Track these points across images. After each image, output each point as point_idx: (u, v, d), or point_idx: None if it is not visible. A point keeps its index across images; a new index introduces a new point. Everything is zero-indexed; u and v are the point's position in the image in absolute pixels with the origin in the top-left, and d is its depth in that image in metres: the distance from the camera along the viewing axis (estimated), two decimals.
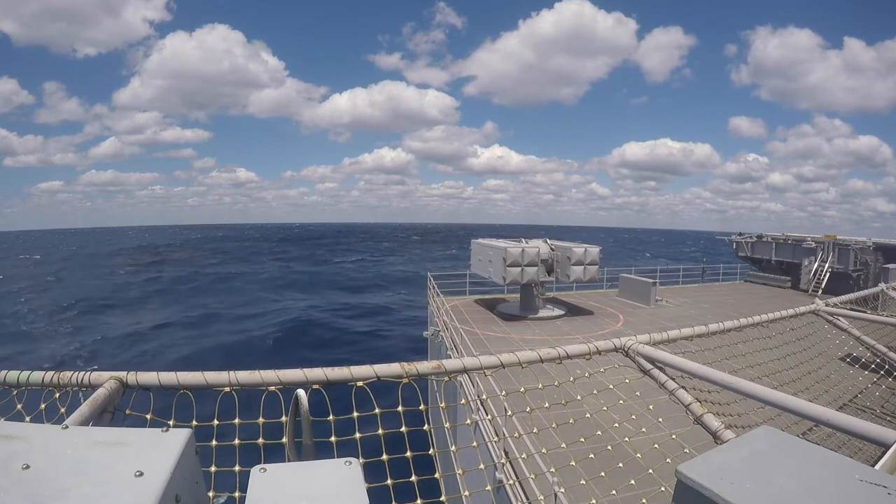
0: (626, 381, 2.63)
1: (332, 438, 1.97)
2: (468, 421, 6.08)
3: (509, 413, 2.68)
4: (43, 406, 1.89)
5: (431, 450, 2.21)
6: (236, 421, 1.96)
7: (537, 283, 14.98)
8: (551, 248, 15.15)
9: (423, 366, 2.20)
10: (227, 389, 1.97)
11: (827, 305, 4.29)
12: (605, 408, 2.56)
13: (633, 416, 2.51)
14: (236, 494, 1.71)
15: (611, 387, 2.62)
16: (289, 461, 1.82)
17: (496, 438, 5.18)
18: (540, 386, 2.38)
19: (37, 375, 1.95)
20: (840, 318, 4.14)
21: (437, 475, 2.16)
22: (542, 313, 15.20)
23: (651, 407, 2.51)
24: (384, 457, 1.99)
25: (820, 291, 19.02)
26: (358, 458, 1.48)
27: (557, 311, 15.54)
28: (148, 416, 1.89)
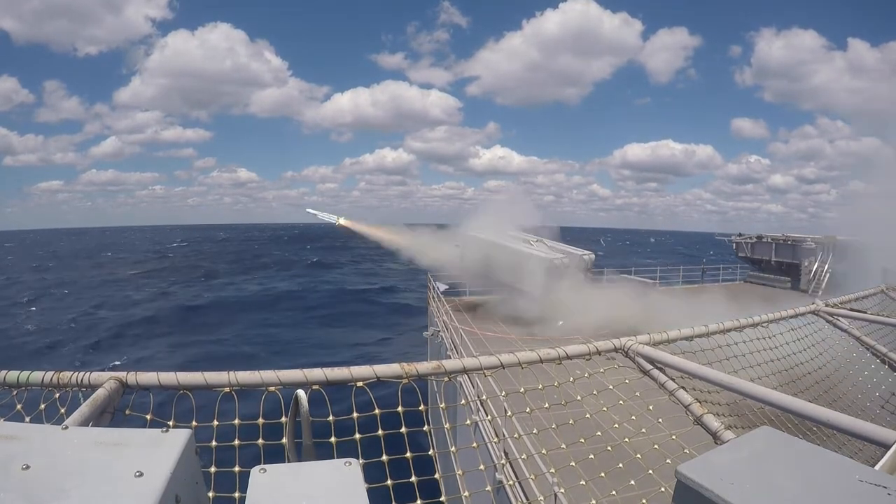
0: (626, 381, 2.63)
1: (332, 439, 1.97)
2: (468, 421, 6.07)
3: (509, 414, 2.68)
4: (43, 406, 1.89)
5: (431, 450, 2.21)
6: (236, 421, 1.96)
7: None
8: (549, 248, 15.09)
9: (423, 366, 2.20)
10: (227, 390, 1.97)
11: (827, 306, 4.29)
12: (604, 408, 2.56)
13: (633, 417, 2.51)
14: (236, 494, 1.71)
15: (610, 387, 2.62)
16: (289, 461, 1.82)
17: (496, 439, 5.18)
18: (540, 386, 2.38)
19: (37, 376, 1.96)
20: (840, 318, 4.13)
21: (437, 476, 2.16)
22: (542, 314, 15.14)
23: (651, 407, 2.51)
24: (384, 457, 1.99)
25: (820, 292, 19.01)
26: (358, 458, 1.48)
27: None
28: (148, 417, 1.89)
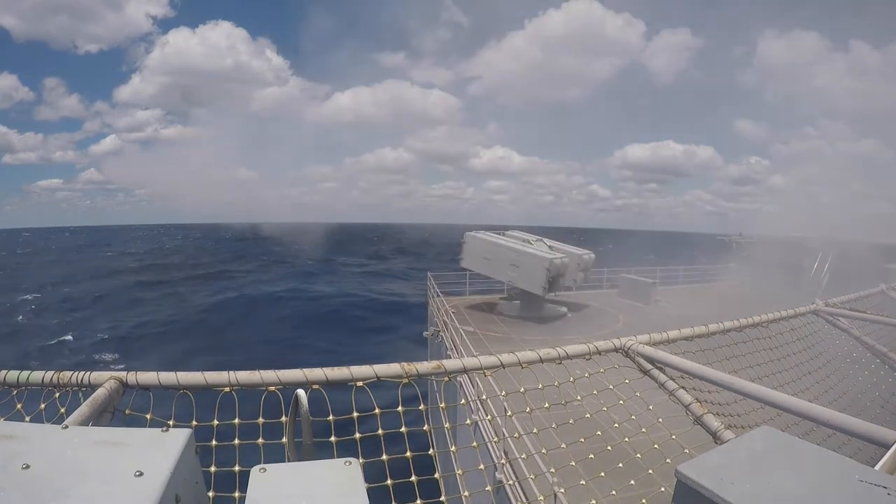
0: (626, 381, 2.63)
1: (332, 438, 1.97)
2: (468, 421, 6.07)
3: (509, 413, 2.68)
4: (43, 406, 1.89)
5: (431, 450, 2.21)
6: (236, 421, 1.96)
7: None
8: (549, 248, 15.12)
9: (423, 366, 2.20)
10: (227, 389, 1.97)
11: (827, 305, 4.29)
12: (604, 408, 2.56)
13: (633, 417, 2.51)
14: (236, 494, 1.71)
15: (610, 387, 2.62)
16: (289, 461, 1.82)
17: (496, 439, 5.19)
18: (540, 386, 2.38)
19: (37, 375, 1.96)
20: (840, 318, 4.13)
21: (437, 475, 2.16)
22: (543, 313, 15.18)
23: (651, 407, 2.51)
24: (384, 457, 1.99)
25: (820, 292, 18.97)
26: (358, 458, 1.48)
27: (557, 312, 15.53)
28: (148, 416, 1.89)
